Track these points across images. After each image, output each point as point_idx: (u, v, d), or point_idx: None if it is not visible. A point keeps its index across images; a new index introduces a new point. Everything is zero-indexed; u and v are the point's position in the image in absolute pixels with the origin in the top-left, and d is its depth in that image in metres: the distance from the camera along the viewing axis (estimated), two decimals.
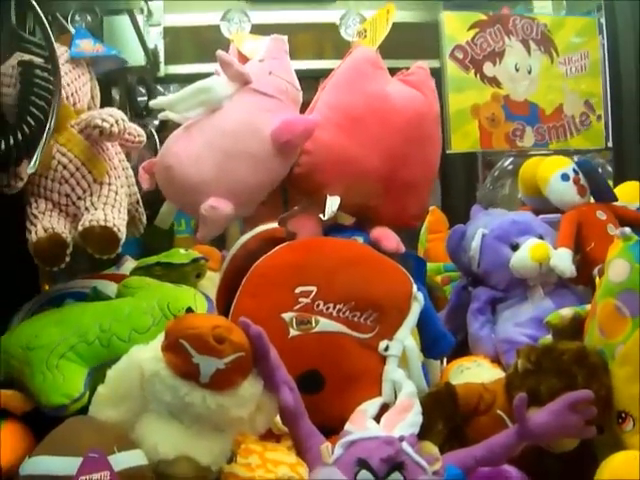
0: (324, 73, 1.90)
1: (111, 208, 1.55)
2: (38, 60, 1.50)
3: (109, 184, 1.60)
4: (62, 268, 1.52)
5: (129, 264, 2.06)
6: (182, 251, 1.98)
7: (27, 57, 1.51)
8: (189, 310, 1.43)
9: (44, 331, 1.39)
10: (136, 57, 2.42)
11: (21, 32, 1.58)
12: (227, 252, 1.78)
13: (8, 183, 1.45)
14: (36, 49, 1.52)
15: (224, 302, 1.60)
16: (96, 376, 1.33)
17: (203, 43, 2.63)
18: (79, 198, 1.56)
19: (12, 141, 1.36)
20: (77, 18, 1.75)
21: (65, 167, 1.55)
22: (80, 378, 1.33)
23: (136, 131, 1.74)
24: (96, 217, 1.50)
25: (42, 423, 1.23)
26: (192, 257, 1.92)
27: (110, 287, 1.67)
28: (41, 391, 1.31)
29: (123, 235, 1.52)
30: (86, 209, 1.55)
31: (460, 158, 2.90)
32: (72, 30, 1.82)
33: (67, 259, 1.49)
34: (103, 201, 1.56)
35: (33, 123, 1.40)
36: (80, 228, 1.49)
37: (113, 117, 1.55)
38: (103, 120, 1.54)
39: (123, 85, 2.58)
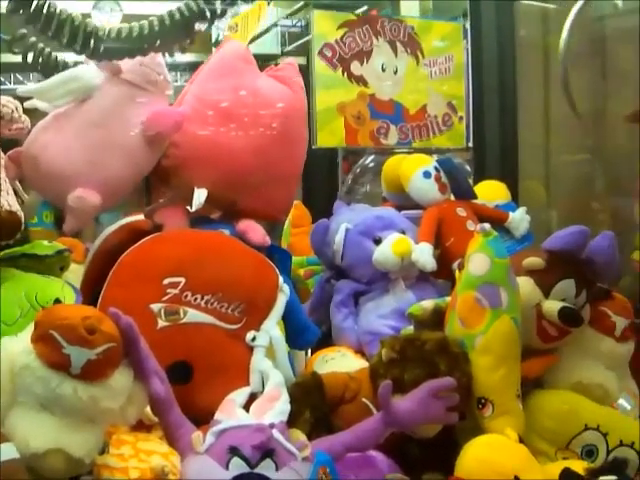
0: (191, 66, 1.90)
1: (6, 195, 1.50)
2: None
3: None
4: None
5: None
6: (46, 243, 1.93)
7: None
8: (57, 301, 1.41)
9: None
10: None
11: None
12: (90, 244, 1.76)
13: None
14: None
15: (89, 294, 1.58)
16: None
17: None
18: None
19: None
20: None
21: None
22: None
23: (23, 118, 1.69)
24: None
25: None
26: (56, 249, 1.87)
27: None
28: None
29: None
30: None
31: (321, 154, 2.94)
32: None
33: None
34: None
35: None
36: None
37: (12, 103, 1.51)
38: (3, 105, 1.50)
39: None
